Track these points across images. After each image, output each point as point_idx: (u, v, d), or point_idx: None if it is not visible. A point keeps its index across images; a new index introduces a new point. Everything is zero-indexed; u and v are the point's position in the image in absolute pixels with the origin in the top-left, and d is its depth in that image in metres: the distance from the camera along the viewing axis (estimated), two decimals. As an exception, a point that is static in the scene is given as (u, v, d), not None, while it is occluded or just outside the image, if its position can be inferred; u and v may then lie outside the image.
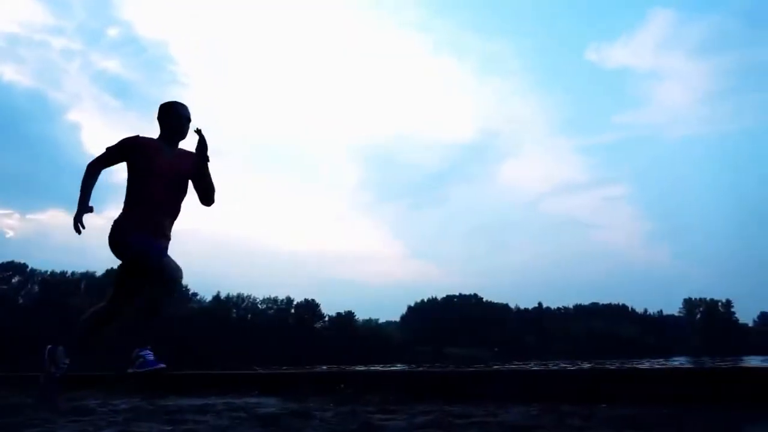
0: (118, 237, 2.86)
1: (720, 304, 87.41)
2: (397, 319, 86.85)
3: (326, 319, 78.72)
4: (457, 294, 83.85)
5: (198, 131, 2.96)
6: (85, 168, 2.95)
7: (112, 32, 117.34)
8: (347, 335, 72.16)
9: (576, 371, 2.55)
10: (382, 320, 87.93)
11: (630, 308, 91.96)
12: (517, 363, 21.01)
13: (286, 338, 68.32)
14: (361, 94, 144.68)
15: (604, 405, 2.28)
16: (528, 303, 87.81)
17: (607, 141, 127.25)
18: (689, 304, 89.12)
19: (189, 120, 3.11)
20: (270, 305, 78.05)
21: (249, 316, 75.35)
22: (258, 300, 77.74)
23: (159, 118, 3.08)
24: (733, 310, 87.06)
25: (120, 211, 2.98)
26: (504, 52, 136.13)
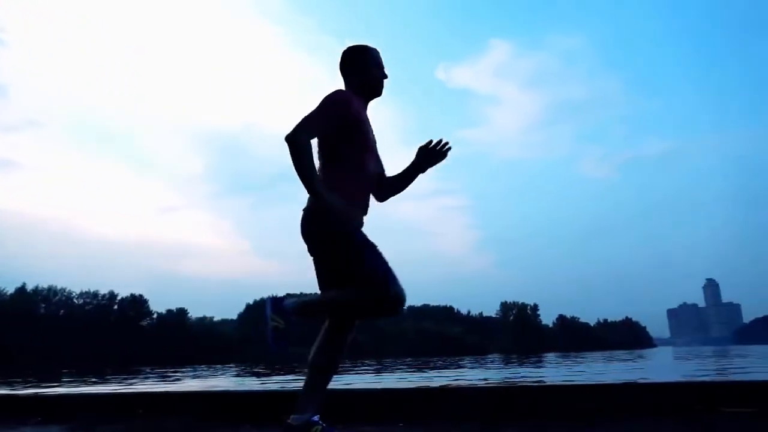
0: (336, 224, 2.00)
1: (529, 307, 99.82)
2: (234, 317, 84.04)
3: (155, 316, 73.27)
4: (298, 293, 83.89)
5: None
6: (293, 145, 1.94)
7: None
8: (178, 334, 67.99)
9: (378, 391, 2.65)
10: (217, 318, 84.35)
11: (456, 309, 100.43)
12: (351, 362, 21.58)
13: (107, 337, 62.24)
14: (212, 79, 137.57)
15: (401, 424, 2.40)
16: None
17: (449, 154, 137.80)
18: (505, 306, 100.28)
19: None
20: (88, 300, 70.36)
21: (61, 312, 67.02)
22: (74, 294, 69.76)
23: (349, 69, 2.20)
24: (538, 312, 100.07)
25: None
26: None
